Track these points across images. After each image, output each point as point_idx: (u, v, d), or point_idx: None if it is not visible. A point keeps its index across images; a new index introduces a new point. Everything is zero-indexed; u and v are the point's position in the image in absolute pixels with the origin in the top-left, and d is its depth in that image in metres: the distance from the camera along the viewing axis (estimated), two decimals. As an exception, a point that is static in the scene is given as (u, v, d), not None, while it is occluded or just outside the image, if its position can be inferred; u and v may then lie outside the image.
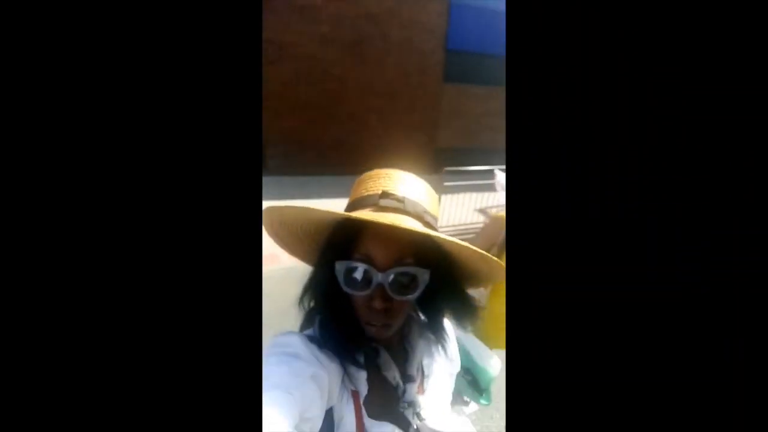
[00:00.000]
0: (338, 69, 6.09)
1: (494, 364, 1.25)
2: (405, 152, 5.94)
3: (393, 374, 0.52)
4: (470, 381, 1.22)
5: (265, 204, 0.45)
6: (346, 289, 0.47)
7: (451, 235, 0.46)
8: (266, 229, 0.52)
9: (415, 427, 0.51)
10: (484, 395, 1.23)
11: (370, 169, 0.53)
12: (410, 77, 6.77)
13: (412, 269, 0.47)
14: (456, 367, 0.63)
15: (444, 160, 5.26)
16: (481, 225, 5.07)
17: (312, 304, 0.53)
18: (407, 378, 0.53)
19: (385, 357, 0.52)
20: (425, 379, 0.56)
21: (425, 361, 0.57)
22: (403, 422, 0.51)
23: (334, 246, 0.49)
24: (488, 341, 1.42)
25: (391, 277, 0.46)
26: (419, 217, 0.48)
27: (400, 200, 0.47)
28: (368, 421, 0.48)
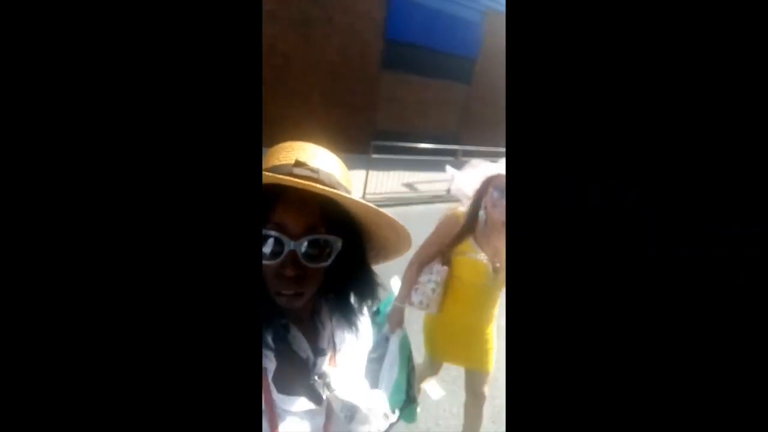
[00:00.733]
0: (283, 45, 6.39)
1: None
2: (344, 131, 6.51)
3: (303, 348, 0.52)
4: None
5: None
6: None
7: (376, 204, 0.48)
8: None
9: (325, 398, 0.52)
10: (403, 412, 1.20)
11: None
12: (352, 61, 7.29)
13: (324, 236, 0.47)
14: (367, 345, 0.63)
15: (378, 141, 5.93)
16: (405, 195, 5.86)
17: None
18: (319, 352, 0.54)
19: (294, 332, 0.52)
20: (337, 353, 0.56)
21: (337, 336, 0.57)
22: (314, 394, 0.51)
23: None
24: (434, 350, 1.37)
25: (304, 244, 0.46)
26: (333, 188, 0.47)
27: (314, 170, 0.47)
28: (278, 397, 0.48)
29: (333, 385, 0.51)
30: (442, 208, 1.57)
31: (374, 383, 1.15)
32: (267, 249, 0.45)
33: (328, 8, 6.68)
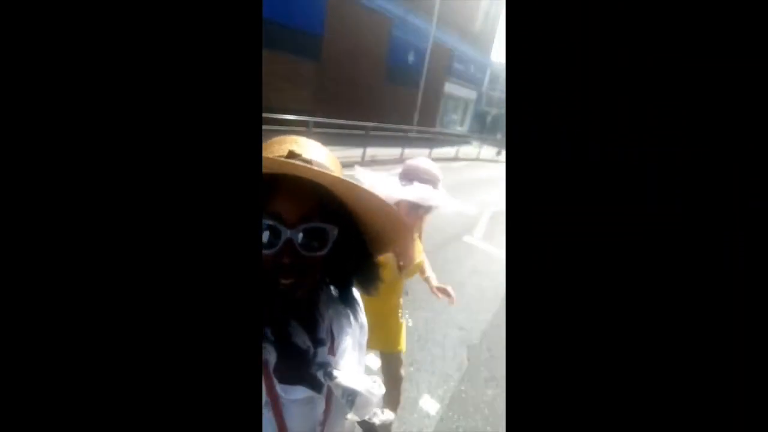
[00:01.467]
0: None
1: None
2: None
3: (303, 339, 0.52)
4: None
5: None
6: None
7: None
8: None
9: (326, 386, 0.52)
10: None
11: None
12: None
13: (321, 225, 0.47)
14: (365, 335, 0.64)
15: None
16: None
17: None
18: (318, 342, 0.54)
19: (294, 324, 0.52)
20: (335, 342, 0.57)
21: (335, 326, 0.58)
22: (315, 383, 0.52)
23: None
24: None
25: (301, 233, 0.46)
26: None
27: (308, 161, 0.47)
28: (280, 387, 0.49)
29: (334, 373, 0.52)
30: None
31: None
32: (264, 238, 0.46)
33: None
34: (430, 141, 11.41)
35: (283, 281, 0.47)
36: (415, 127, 12.16)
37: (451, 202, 1.24)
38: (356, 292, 0.62)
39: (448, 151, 12.31)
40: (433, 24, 12.33)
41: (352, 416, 0.56)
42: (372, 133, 8.56)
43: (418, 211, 1.22)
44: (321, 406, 0.53)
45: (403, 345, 1.47)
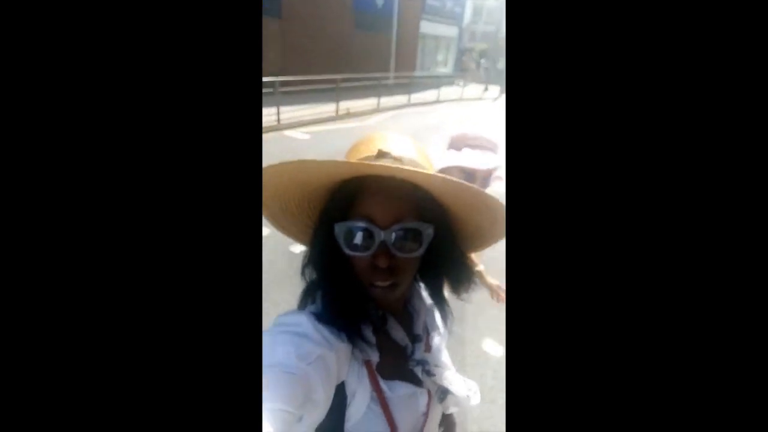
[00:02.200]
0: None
1: None
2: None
3: (401, 336, 0.53)
4: None
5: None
6: (347, 251, 0.47)
7: None
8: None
9: (424, 382, 0.53)
10: None
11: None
12: None
13: (414, 224, 0.46)
14: (447, 334, 0.64)
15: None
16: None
17: (313, 275, 0.52)
18: (415, 338, 0.55)
19: (392, 322, 0.53)
20: (430, 338, 0.58)
21: (428, 321, 0.58)
22: (415, 379, 0.53)
23: (332, 209, 0.48)
24: None
25: (394, 234, 0.45)
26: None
27: (398, 159, 0.46)
28: (384, 384, 0.49)
29: (433, 371, 0.52)
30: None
31: None
32: (358, 241, 0.45)
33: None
34: (410, 86, 11.23)
35: (380, 284, 0.47)
36: (392, 74, 11.93)
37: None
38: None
39: (430, 94, 12.13)
40: (397, -41, 11.66)
41: (443, 410, 0.57)
42: (343, 85, 8.52)
43: (473, 181, 1.04)
44: (424, 398, 0.53)
45: None
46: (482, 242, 0.56)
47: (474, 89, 15.80)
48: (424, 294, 0.60)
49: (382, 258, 0.45)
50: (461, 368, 1.63)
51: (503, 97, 13.76)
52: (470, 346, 2.18)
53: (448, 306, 0.61)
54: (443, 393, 0.54)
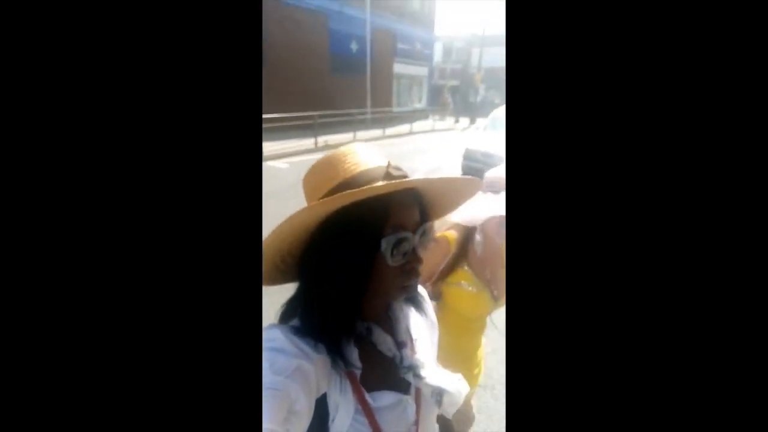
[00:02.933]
0: None
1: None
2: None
3: (388, 346, 0.54)
4: None
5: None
6: (392, 262, 0.48)
7: None
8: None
9: (415, 387, 0.54)
10: None
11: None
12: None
13: (428, 224, 0.51)
14: (436, 332, 0.66)
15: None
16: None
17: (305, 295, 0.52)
18: (400, 345, 0.55)
19: (377, 332, 0.54)
20: (414, 342, 0.58)
21: (411, 326, 0.59)
22: (403, 386, 0.54)
23: (363, 228, 0.47)
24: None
25: (419, 236, 0.49)
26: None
27: (398, 168, 0.49)
28: (369, 396, 0.49)
29: (422, 373, 0.53)
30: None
31: None
32: (399, 249, 0.47)
33: None
34: (385, 121, 12.32)
35: (412, 282, 0.51)
36: (368, 110, 13.06)
37: None
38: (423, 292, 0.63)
39: (404, 128, 13.25)
40: (368, 11, 13.13)
41: (441, 413, 0.56)
42: (321, 120, 9.45)
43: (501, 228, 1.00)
44: (412, 406, 0.55)
45: (478, 381, 1.24)
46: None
47: (447, 122, 17.13)
48: (405, 301, 0.61)
49: (416, 260, 0.50)
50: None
51: (473, 127, 15.01)
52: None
53: (426, 302, 0.64)
54: (440, 393, 0.53)
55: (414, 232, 0.49)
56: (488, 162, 4.82)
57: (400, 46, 16.90)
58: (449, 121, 17.61)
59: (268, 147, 7.72)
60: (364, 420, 0.49)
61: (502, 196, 0.97)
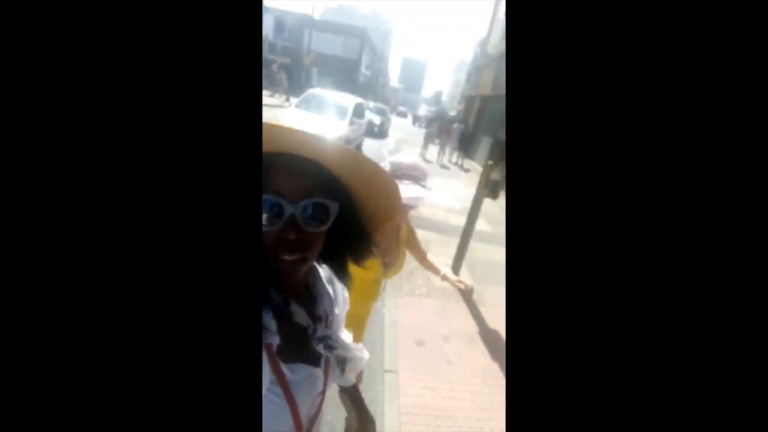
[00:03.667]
0: None
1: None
2: None
3: (303, 319, 0.55)
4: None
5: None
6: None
7: None
8: None
9: (323, 358, 0.57)
10: None
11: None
12: None
13: (322, 199, 0.48)
14: (346, 308, 0.69)
15: None
16: None
17: None
18: (316, 319, 0.57)
19: (294, 305, 0.54)
20: (329, 317, 0.60)
21: (327, 304, 0.61)
22: (315, 357, 0.56)
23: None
24: None
25: (302, 208, 0.47)
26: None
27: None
28: (284, 367, 0.50)
29: (332, 344, 0.56)
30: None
31: None
32: (266, 214, 0.46)
33: None
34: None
35: (287, 257, 0.48)
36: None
37: (439, 197, 1.27)
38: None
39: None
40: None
41: (342, 381, 0.59)
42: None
43: (405, 209, 1.16)
44: (321, 377, 0.57)
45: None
46: (381, 222, 0.59)
47: (277, 99, 16.77)
48: (324, 279, 0.62)
49: (291, 232, 0.47)
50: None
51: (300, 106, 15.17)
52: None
53: (349, 279, 0.63)
54: (342, 362, 0.57)
55: (294, 202, 0.47)
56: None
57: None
58: (280, 99, 17.28)
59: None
60: (279, 391, 0.49)
61: (405, 184, 1.12)
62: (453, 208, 5.47)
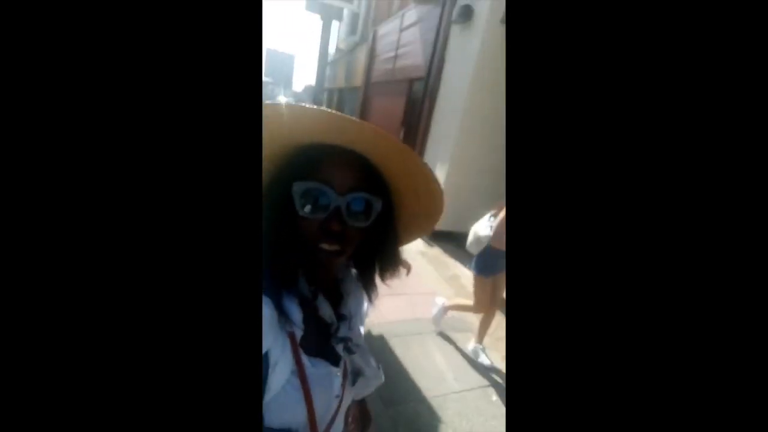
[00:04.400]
0: None
1: None
2: None
3: (328, 314, 0.54)
4: None
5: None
6: (301, 211, 0.47)
7: None
8: None
9: (343, 361, 0.55)
10: None
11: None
12: None
13: (368, 195, 0.48)
14: (366, 317, 0.67)
15: None
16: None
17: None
18: (341, 317, 0.56)
19: (321, 298, 0.54)
20: (352, 319, 0.59)
21: (353, 305, 0.60)
22: (334, 357, 0.54)
23: (294, 169, 0.49)
24: None
25: (348, 201, 0.47)
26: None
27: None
28: (305, 358, 0.49)
29: (353, 348, 0.55)
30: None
31: None
32: (313, 202, 0.46)
33: None
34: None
35: (326, 247, 0.48)
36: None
37: None
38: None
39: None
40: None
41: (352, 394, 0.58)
42: None
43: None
44: (339, 379, 0.54)
45: None
46: (416, 229, 0.59)
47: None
48: (355, 277, 0.62)
49: (335, 222, 0.47)
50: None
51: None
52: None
53: (376, 291, 0.62)
54: (357, 372, 0.57)
55: (341, 193, 0.47)
56: None
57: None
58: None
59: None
60: (297, 383, 0.48)
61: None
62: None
